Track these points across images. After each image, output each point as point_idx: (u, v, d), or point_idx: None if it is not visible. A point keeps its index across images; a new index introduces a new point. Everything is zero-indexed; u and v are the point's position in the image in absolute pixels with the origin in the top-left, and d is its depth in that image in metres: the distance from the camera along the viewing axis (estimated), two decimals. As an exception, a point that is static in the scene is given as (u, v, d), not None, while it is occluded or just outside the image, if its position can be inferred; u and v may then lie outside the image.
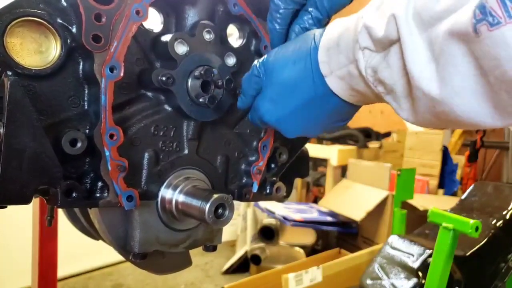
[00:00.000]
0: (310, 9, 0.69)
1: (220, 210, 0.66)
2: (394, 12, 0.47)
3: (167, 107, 0.72)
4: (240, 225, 3.60)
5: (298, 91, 0.62)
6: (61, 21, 0.61)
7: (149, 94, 0.71)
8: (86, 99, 0.65)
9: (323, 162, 4.02)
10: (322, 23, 0.69)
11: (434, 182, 3.54)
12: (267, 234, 3.32)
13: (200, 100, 0.71)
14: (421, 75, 0.45)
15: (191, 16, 0.74)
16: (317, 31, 0.62)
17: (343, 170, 3.74)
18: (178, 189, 0.71)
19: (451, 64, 0.42)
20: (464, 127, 0.50)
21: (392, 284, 1.70)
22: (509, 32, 0.36)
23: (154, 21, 0.71)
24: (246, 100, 0.71)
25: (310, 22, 0.69)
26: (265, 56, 0.67)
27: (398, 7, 0.47)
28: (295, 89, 0.62)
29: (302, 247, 3.31)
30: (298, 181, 4.03)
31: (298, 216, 3.20)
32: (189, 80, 0.71)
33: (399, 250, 1.79)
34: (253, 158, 0.84)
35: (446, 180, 3.60)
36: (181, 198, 0.70)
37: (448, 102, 0.44)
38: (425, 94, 0.46)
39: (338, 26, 0.58)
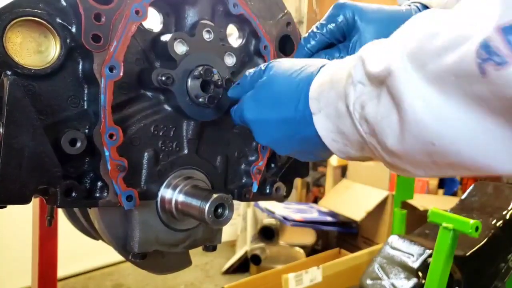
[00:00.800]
0: (341, 48, 0.74)
1: (219, 210, 0.66)
2: (392, 47, 0.45)
3: (166, 107, 0.72)
4: (240, 225, 3.60)
5: (283, 108, 0.61)
6: (60, 21, 0.61)
7: (149, 94, 0.71)
8: (85, 99, 0.65)
9: (323, 162, 4.01)
10: None
11: (434, 182, 3.53)
12: (267, 234, 3.32)
13: (200, 100, 0.71)
14: (414, 108, 0.42)
15: (191, 16, 0.74)
16: (324, 64, 0.60)
17: (343, 170, 3.73)
18: (178, 189, 0.71)
19: (464, 107, 0.40)
20: (465, 174, 0.47)
21: (392, 284, 1.70)
22: None
23: (153, 21, 0.71)
24: (238, 92, 0.70)
25: (336, 56, 0.71)
26: (275, 61, 0.67)
27: (394, 46, 0.45)
28: (281, 104, 0.61)
29: (302, 247, 3.31)
30: (298, 181, 4.03)
31: (298, 216, 3.20)
32: (189, 80, 0.71)
33: (399, 250, 1.79)
34: (253, 158, 0.84)
35: (446, 180, 3.60)
36: (181, 198, 0.70)
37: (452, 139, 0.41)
38: (419, 128, 0.43)
39: (337, 63, 0.56)
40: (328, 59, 0.69)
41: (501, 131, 0.39)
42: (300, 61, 0.63)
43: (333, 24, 0.76)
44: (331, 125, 0.55)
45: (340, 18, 0.75)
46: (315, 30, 0.78)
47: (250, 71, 0.69)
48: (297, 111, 0.59)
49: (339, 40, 0.78)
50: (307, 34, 0.78)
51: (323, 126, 0.56)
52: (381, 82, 0.46)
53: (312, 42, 0.77)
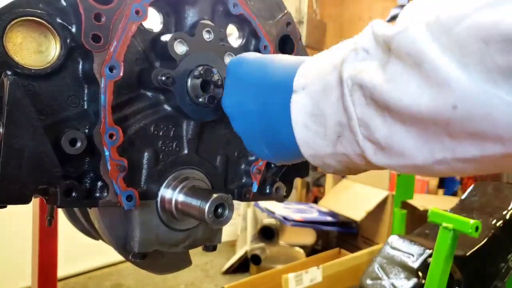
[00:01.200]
0: None
1: (219, 210, 0.66)
2: (409, 26, 0.40)
3: (166, 107, 0.72)
4: (240, 225, 3.60)
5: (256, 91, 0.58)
6: (60, 21, 0.61)
7: (149, 93, 0.71)
8: (85, 98, 0.65)
9: (323, 162, 4.00)
10: None
11: (434, 182, 3.54)
12: (267, 234, 3.32)
13: (200, 100, 0.71)
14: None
15: (191, 16, 0.74)
16: None
17: (343, 170, 3.73)
18: (178, 189, 0.71)
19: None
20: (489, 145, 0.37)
21: (392, 284, 1.70)
22: None
23: (153, 20, 0.71)
24: None
25: None
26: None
27: (411, 17, 0.40)
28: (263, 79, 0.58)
29: (302, 247, 3.31)
30: (298, 181, 4.03)
31: (298, 216, 3.20)
32: (189, 80, 0.71)
33: (399, 250, 1.79)
34: (253, 158, 0.84)
35: (446, 180, 3.60)
36: (181, 198, 0.70)
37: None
38: (444, 88, 0.37)
39: (338, 45, 0.50)
40: None
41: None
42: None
43: None
44: (310, 104, 0.49)
45: None
46: None
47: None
48: (280, 85, 0.54)
49: None
50: None
51: (300, 105, 0.50)
52: (389, 48, 0.41)
53: None
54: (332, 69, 0.47)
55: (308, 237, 3.42)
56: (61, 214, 1.11)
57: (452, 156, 0.39)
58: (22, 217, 1.61)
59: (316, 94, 0.48)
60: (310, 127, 0.49)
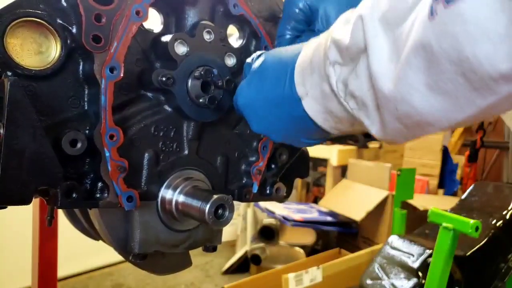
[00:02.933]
0: (316, 29, 0.73)
1: (220, 211, 0.66)
2: (361, 13, 0.46)
3: (167, 108, 0.72)
4: (240, 225, 3.60)
5: (273, 89, 0.61)
6: (61, 22, 0.61)
7: (149, 94, 0.71)
8: (86, 99, 0.65)
9: (323, 162, 4.01)
10: None
11: (434, 182, 3.54)
12: (267, 234, 3.32)
13: (200, 100, 0.71)
14: (379, 75, 0.43)
15: (191, 16, 0.74)
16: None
17: (343, 170, 3.74)
18: (178, 190, 0.71)
19: (406, 59, 0.40)
20: (433, 130, 0.44)
21: (392, 284, 1.70)
22: (466, 6, 0.33)
23: (154, 21, 0.71)
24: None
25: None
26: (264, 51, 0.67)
27: (364, 11, 0.45)
28: (270, 85, 0.61)
29: (302, 247, 3.31)
30: (298, 181, 4.03)
31: (298, 216, 3.20)
32: (189, 81, 0.71)
33: (399, 250, 1.79)
34: (253, 159, 0.84)
35: (446, 180, 3.60)
36: (181, 198, 0.70)
37: (406, 99, 0.42)
38: (383, 95, 0.44)
39: (313, 43, 0.56)
40: None
41: (446, 82, 0.38)
42: (287, 47, 0.64)
43: (293, 22, 0.75)
44: (319, 106, 0.55)
45: (297, 11, 0.74)
46: (281, 33, 0.76)
47: (248, 60, 0.69)
48: (285, 90, 0.58)
49: (308, 28, 0.76)
50: (276, 41, 0.77)
51: (312, 108, 0.56)
52: (357, 54, 0.47)
53: (289, 32, 0.76)
54: (322, 81, 0.53)
55: (308, 237, 3.42)
56: (61, 214, 1.11)
57: (414, 137, 0.48)
58: (22, 217, 1.61)
59: (319, 99, 0.54)
60: (328, 119, 0.56)
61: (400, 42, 0.41)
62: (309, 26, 0.76)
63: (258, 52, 0.67)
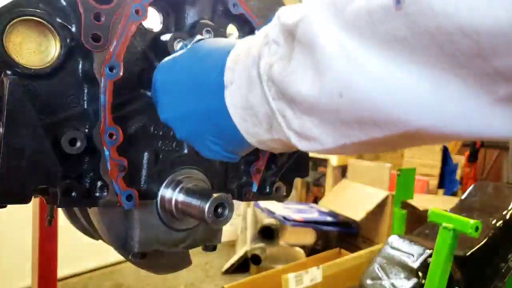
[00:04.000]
0: None
1: (219, 210, 0.66)
2: (307, 12, 0.40)
3: (166, 107, 0.72)
4: (240, 225, 3.60)
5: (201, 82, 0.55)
6: (60, 21, 0.61)
7: (149, 93, 0.71)
8: (85, 98, 0.65)
9: (323, 162, 4.02)
10: None
11: (434, 182, 3.54)
12: (267, 234, 3.32)
13: (200, 99, 0.71)
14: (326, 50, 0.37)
15: (191, 15, 0.74)
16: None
17: (343, 170, 3.74)
18: (178, 189, 0.71)
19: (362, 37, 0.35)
20: (374, 131, 0.37)
21: (392, 284, 1.70)
22: None
23: (153, 20, 0.71)
24: None
25: None
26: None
27: (311, 4, 0.40)
28: (198, 76, 0.56)
29: (302, 247, 3.31)
30: (298, 181, 4.03)
31: (298, 216, 3.20)
32: (189, 80, 0.71)
33: (399, 250, 1.79)
34: (253, 158, 0.84)
35: (446, 180, 3.60)
36: (181, 197, 0.70)
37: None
38: (330, 76, 0.37)
39: (259, 31, 0.51)
40: None
41: (420, 76, 0.32)
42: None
43: None
44: (240, 98, 0.49)
45: None
46: None
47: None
48: (212, 74, 0.53)
49: None
50: None
51: (232, 98, 0.50)
52: (293, 38, 0.42)
53: None
54: (253, 63, 0.47)
55: (308, 237, 3.42)
56: (61, 214, 1.11)
57: (350, 141, 0.40)
58: (22, 217, 1.61)
59: (243, 88, 0.48)
60: (246, 119, 0.50)
61: (355, 29, 0.36)
62: None
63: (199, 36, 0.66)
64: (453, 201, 2.48)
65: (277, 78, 0.43)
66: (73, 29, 0.62)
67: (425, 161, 3.62)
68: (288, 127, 0.45)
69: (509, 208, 1.84)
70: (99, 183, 0.65)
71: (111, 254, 1.23)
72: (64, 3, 0.61)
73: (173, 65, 0.61)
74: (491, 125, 0.31)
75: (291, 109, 0.43)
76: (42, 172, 0.57)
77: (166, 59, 0.62)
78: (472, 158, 3.88)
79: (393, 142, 0.39)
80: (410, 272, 1.69)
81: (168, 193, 0.71)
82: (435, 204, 2.38)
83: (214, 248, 0.81)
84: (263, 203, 3.39)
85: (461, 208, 1.95)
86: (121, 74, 0.64)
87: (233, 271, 3.35)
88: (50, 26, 0.60)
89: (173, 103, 0.59)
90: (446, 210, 1.72)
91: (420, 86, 0.32)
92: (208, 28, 0.73)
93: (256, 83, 0.47)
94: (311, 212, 3.41)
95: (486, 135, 0.32)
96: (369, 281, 1.78)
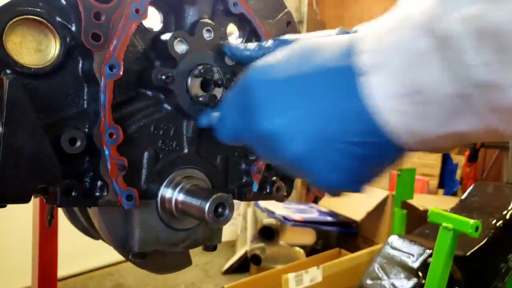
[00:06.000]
0: None
1: (220, 210, 0.66)
2: None
3: (166, 106, 0.72)
4: (240, 225, 3.60)
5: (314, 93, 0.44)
6: (60, 20, 0.61)
7: (149, 93, 0.70)
8: (85, 98, 0.64)
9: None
10: None
11: (434, 182, 3.54)
12: (267, 234, 3.32)
13: (200, 99, 0.71)
14: None
15: (191, 14, 0.74)
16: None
17: (343, 170, 3.73)
18: (178, 188, 0.71)
19: None
20: None
21: (392, 284, 1.70)
22: None
23: (153, 19, 0.71)
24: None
25: None
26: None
27: None
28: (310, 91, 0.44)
29: (302, 247, 3.31)
30: (298, 181, 4.03)
31: (298, 216, 3.20)
32: (189, 79, 0.71)
33: (399, 250, 1.79)
34: (253, 157, 0.84)
35: (446, 180, 3.60)
36: (181, 197, 0.70)
37: None
38: None
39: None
40: None
41: None
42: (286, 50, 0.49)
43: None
44: (398, 84, 0.38)
45: None
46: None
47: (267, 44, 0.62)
48: (333, 62, 0.43)
49: None
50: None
51: (383, 87, 0.39)
52: None
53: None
54: (420, 33, 0.36)
55: (308, 237, 3.42)
56: (61, 214, 1.11)
57: None
58: (22, 217, 1.61)
59: (403, 70, 0.38)
60: (407, 111, 0.38)
61: None
62: None
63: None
64: (453, 201, 2.48)
65: (502, 28, 0.31)
66: (73, 28, 0.62)
67: (425, 161, 3.62)
68: (500, 104, 0.34)
69: (509, 208, 1.84)
70: (99, 183, 0.65)
71: (111, 254, 1.23)
72: (64, 2, 0.61)
73: (272, 68, 0.49)
74: None
75: None
76: (42, 171, 0.57)
77: (259, 62, 0.51)
78: (472, 158, 3.88)
79: None
80: (410, 272, 1.69)
81: (168, 193, 0.71)
82: (435, 204, 2.38)
83: (214, 248, 0.81)
84: (263, 203, 3.38)
85: (461, 208, 1.95)
86: (121, 73, 0.64)
87: (233, 271, 3.35)
88: (50, 25, 0.60)
89: (285, 104, 0.46)
90: (446, 210, 1.72)
91: None
92: (209, 28, 0.73)
93: (429, 54, 0.36)
94: (311, 212, 3.41)
95: None
96: (369, 281, 1.78)
